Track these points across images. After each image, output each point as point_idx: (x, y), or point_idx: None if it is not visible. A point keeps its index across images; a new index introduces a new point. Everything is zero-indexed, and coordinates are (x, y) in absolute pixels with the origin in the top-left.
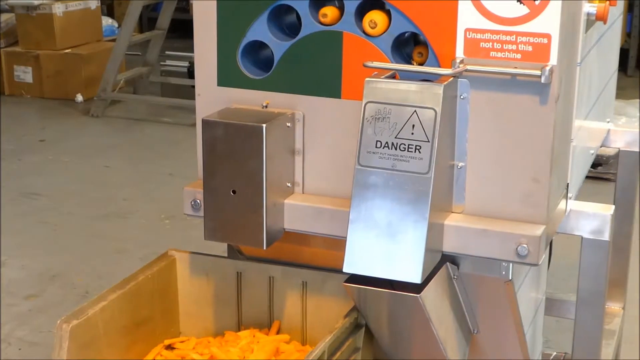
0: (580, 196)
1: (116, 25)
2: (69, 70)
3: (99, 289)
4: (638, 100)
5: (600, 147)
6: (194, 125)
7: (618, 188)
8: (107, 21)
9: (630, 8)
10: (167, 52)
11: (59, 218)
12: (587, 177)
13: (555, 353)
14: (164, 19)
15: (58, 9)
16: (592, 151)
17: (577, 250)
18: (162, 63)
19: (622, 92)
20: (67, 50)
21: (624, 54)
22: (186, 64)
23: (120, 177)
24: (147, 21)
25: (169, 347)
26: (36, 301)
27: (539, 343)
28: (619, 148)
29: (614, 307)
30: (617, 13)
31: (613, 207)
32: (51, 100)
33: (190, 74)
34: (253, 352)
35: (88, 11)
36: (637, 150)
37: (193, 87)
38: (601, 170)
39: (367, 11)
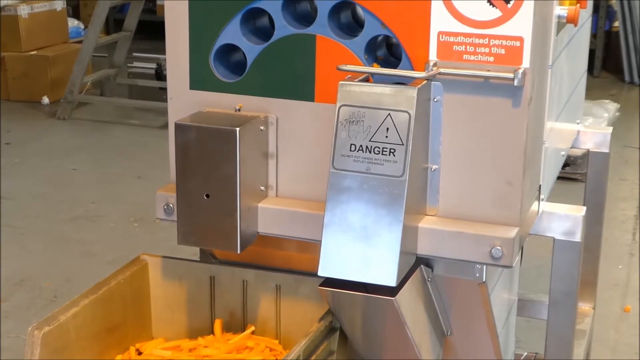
0: (549, 197)
1: (82, 26)
2: (34, 72)
3: (67, 292)
4: (604, 100)
5: (570, 148)
6: (162, 127)
7: (587, 189)
8: (73, 22)
9: (595, 9)
10: (134, 54)
11: (26, 221)
12: None
13: (526, 353)
14: (131, 20)
15: (23, 11)
16: (562, 152)
17: (546, 251)
18: (129, 65)
19: (589, 93)
20: (32, 52)
21: (590, 55)
22: (154, 65)
23: (87, 180)
24: (113, 22)
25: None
26: (4, 306)
27: (511, 344)
28: (588, 149)
29: (584, 307)
30: (586, 15)
31: (585, 208)
32: (17, 103)
33: (158, 75)
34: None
35: (54, 12)
36: (607, 151)
37: (161, 88)
38: (569, 170)
39: (340, 13)
